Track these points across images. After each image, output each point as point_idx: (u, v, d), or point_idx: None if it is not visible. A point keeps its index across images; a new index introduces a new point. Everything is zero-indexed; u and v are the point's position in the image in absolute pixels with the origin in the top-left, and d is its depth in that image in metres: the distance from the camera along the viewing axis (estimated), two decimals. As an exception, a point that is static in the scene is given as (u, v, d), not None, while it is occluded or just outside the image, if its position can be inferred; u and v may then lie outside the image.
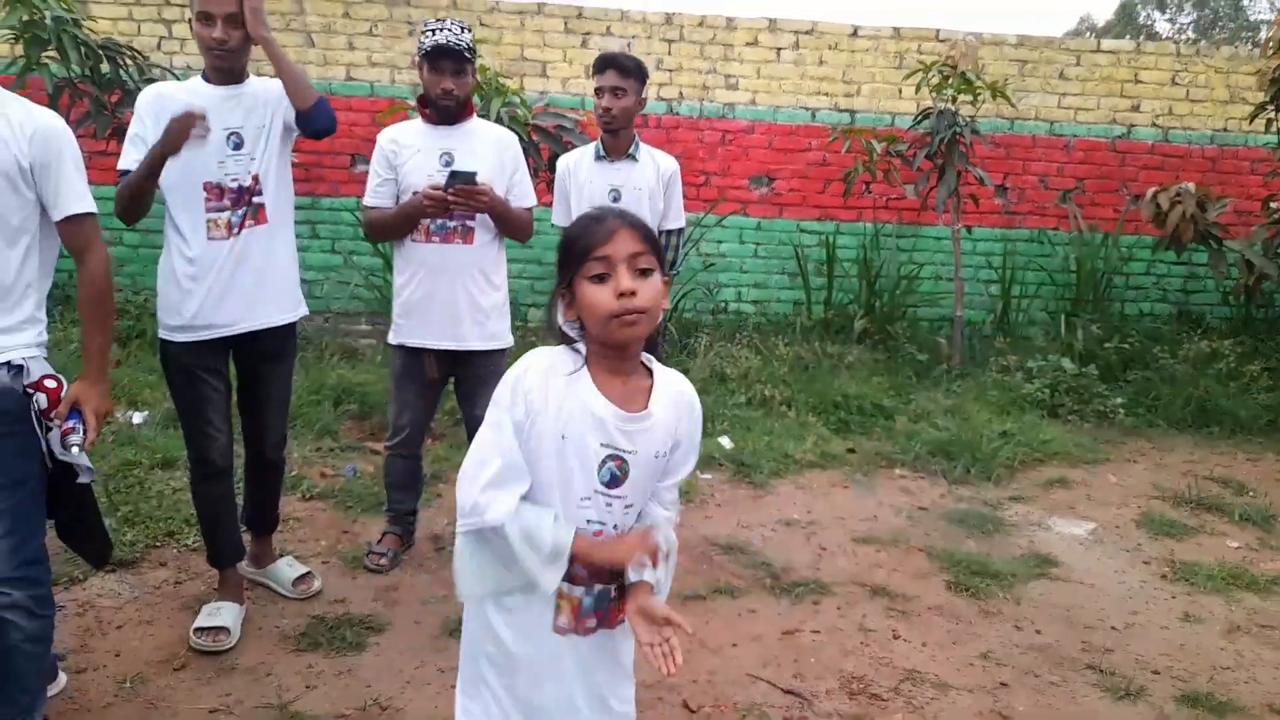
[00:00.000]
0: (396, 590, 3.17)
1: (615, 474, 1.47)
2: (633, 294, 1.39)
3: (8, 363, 2.12)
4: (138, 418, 4.48)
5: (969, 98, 5.94)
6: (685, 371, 5.53)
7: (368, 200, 3.19)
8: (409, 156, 3.11)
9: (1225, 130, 7.03)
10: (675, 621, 1.44)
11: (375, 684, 2.62)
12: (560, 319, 1.49)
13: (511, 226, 3.19)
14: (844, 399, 5.37)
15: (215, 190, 2.71)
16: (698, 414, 1.60)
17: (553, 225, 3.81)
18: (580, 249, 1.43)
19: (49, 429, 2.16)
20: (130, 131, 2.69)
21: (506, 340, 3.29)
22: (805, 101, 6.80)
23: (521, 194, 3.23)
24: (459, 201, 2.99)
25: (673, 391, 1.53)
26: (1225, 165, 7.05)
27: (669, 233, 3.67)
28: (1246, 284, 6.19)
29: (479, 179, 3.01)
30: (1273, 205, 6.44)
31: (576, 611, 1.52)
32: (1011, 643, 3.06)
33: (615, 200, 3.50)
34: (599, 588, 1.52)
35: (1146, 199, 5.87)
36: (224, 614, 2.82)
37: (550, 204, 3.74)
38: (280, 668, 2.69)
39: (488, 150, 3.15)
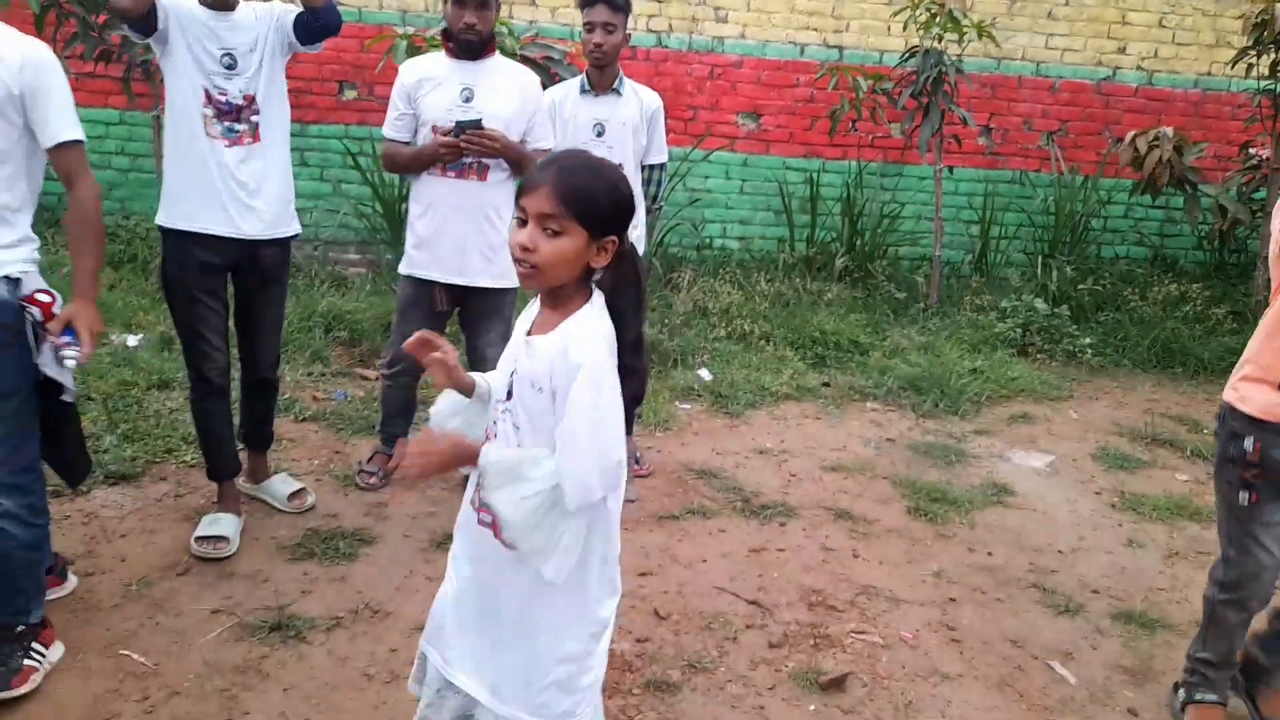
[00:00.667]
0: (386, 507, 3.35)
1: (510, 389, 1.63)
2: (528, 249, 1.51)
3: (5, 276, 2.22)
4: (133, 340, 4.59)
5: (955, 37, 5.97)
6: (668, 306, 5.69)
7: (386, 132, 3.27)
8: (429, 90, 3.16)
9: (1210, 74, 7.08)
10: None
11: (367, 590, 2.81)
12: None
13: (527, 168, 3.24)
14: (822, 335, 5.52)
15: (208, 100, 2.83)
16: (577, 373, 1.51)
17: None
18: (518, 189, 1.58)
19: (40, 344, 2.27)
20: None
21: (514, 279, 3.21)
22: (794, 36, 6.79)
23: (540, 135, 3.29)
24: (471, 147, 3.08)
25: (563, 340, 1.55)
26: (1208, 110, 7.12)
27: (652, 167, 3.76)
28: (1220, 229, 6.34)
29: (497, 120, 3.10)
30: (1251, 150, 6.56)
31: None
32: (963, 563, 3.27)
33: (599, 134, 3.58)
34: None
35: (1125, 143, 5.97)
36: (223, 524, 2.99)
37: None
38: (277, 574, 2.87)
39: (509, 89, 3.20)
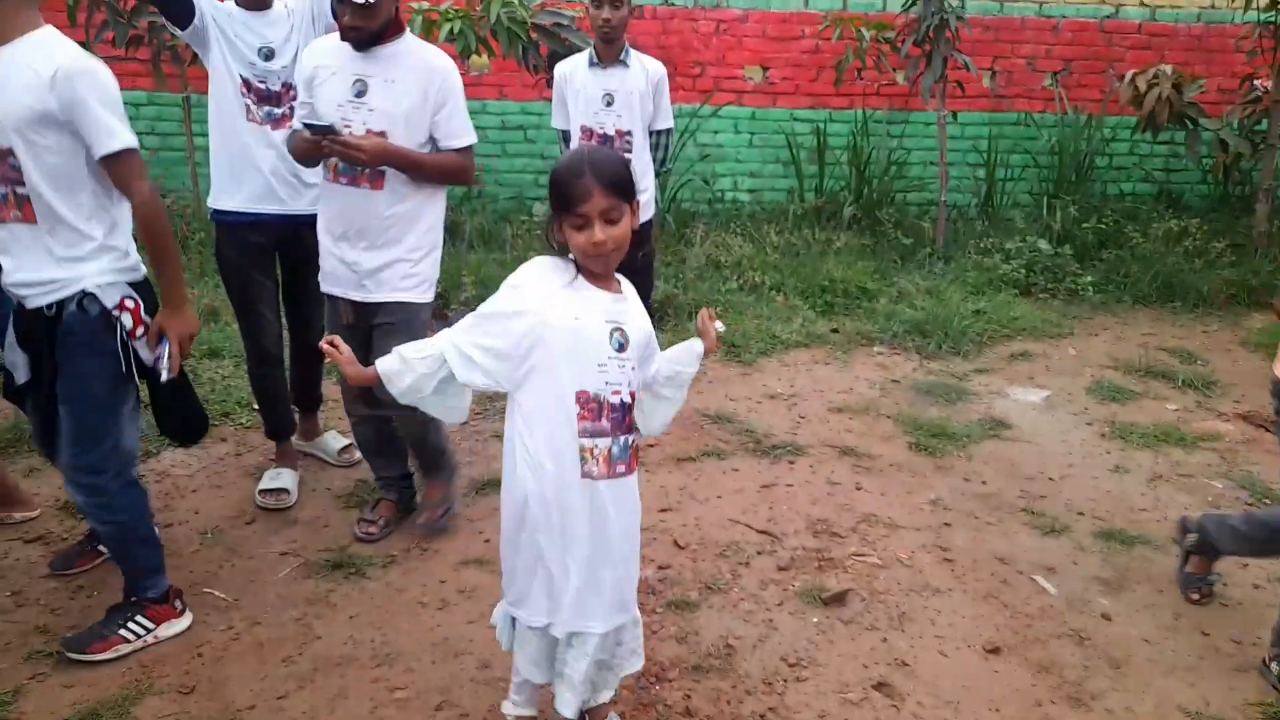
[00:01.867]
0: (427, 458, 3.66)
1: (621, 342, 1.91)
2: (604, 243, 1.82)
3: (82, 291, 2.32)
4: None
5: (956, -18, 6.07)
6: (682, 261, 5.93)
7: (293, 121, 2.97)
8: (324, 79, 2.78)
9: (1213, 7, 7.12)
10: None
11: (416, 531, 3.13)
12: (555, 237, 1.91)
13: (430, 175, 2.83)
14: (830, 283, 5.75)
15: (248, 89, 3.09)
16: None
17: (551, 125, 4.13)
18: (563, 199, 1.82)
19: (134, 343, 2.41)
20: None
21: (419, 294, 2.90)
22: (798, -11, 6.90)
23: (449, 133, 2.83)
24: (336, 152, 2.69)
25: (633, 291, 2.01)
26: (1211, 43, 7.17)
27: (659, 133, 3.99)
28: (1224, 162, 6.46)
29: (387, 120, 2.73)
30: (1255, 83, 6.63)
31: (608, 460, 1.89)
32: (959, 492, 3.54)
33: (609, 104, 3.81)
34: (623, 437, 1.91)
35: (1125, 82, 6.08)
36: (284, 478, 3.33)
37: (550, 100, 4.06)
38: (334, 520, 3.21)
39: (409, 80, 2.76)
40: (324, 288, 2.94)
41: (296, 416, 3.56)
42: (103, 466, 2.43)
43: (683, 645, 2.60)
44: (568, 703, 1.98)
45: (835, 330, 5.27)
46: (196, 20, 3.02)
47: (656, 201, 4.16)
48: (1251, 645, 2.68)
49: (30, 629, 2.61)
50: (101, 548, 2.89)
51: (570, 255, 1.91)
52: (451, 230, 6.14)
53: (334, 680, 2.43)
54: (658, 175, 4.15)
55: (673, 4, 6.85)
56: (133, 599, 2.56)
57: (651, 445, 3.75)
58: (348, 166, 2.76)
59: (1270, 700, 2.45)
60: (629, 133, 3.86)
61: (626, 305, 1.95)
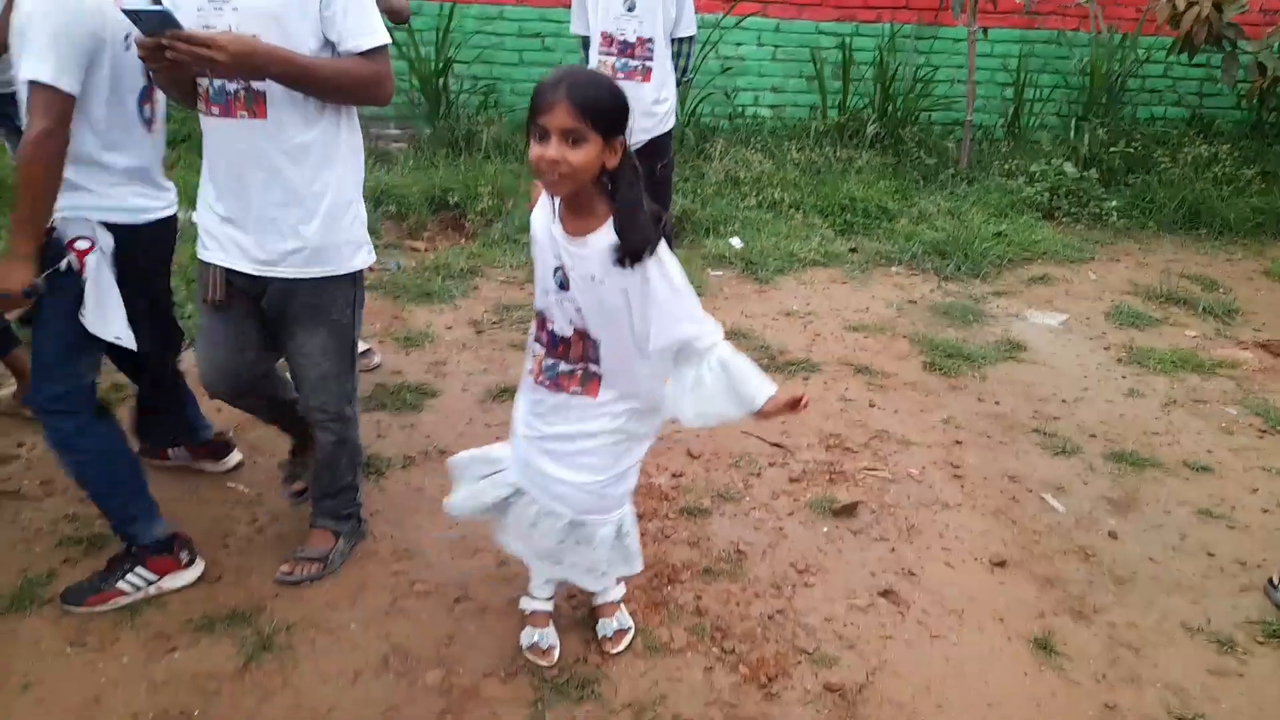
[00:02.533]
0: (445, 364, 3.69)
1: (562, 282, 1.91)
2: (555, 162, 1.71)
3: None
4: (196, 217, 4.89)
5: (995, -110, 5.82)
6: (700, 176, 5.85)
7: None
8: None
9: (1262, -78, 6.81)
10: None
11: (433, 435, 3.18)
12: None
13: (327, 88, 2.11)
14: (850, 201, 5.67)
15: None
16: (650, 279, 1.80)
17: (571, 33, 4.03)
18: (532, 106, 1.74)
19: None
20: None
21: (336, 264, 2.27)
22: (829, -107, 6.63)
23: (346, 32, 2.10)
24: (181, 57, 1.93)
25: (608, 242, 1.79)
26: (1258, -39, 6.88)
27: (680, 40, 3.89)
28: (1261, 86, 6.26)
29: (254, 17, 2.02)
30: (1300, 4, 6.39)
31: (539, 368, 2.00)
32: (971, 411, 3.56)
33: (631, 9, 3.71)
34: (550, 360, 1.98)
35: (1162, 0, 5.86)
36: None
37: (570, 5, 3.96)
38: (354, 422, 3.25)
39: None
40: (201, 255, 2.31)
41: None
42: (64, 397, 2.28)
43: (694, 549, 2.65)
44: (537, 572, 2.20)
45: (853, 249, 5.23)
46: None
47: (675, 114, 4.08)
48: (1256, 567, 2.72)
49: (59, 516, 2.68)
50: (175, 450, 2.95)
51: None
52: (468, 139, 6.07)
53: (354, 573, 2.50)
54: (679, 85, 4.06)
55: (698, -93, 6.60)
56: (131, 549, 2.40)
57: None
58: (219, 90, 2.10)
59: (1271, 619, 2.50)
60: (650, 40, 3.77)
61: (584, 253, 1.82)
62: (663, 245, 1.82)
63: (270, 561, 2.53)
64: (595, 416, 1.98)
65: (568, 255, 1.86)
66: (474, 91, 6.53)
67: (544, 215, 1.92)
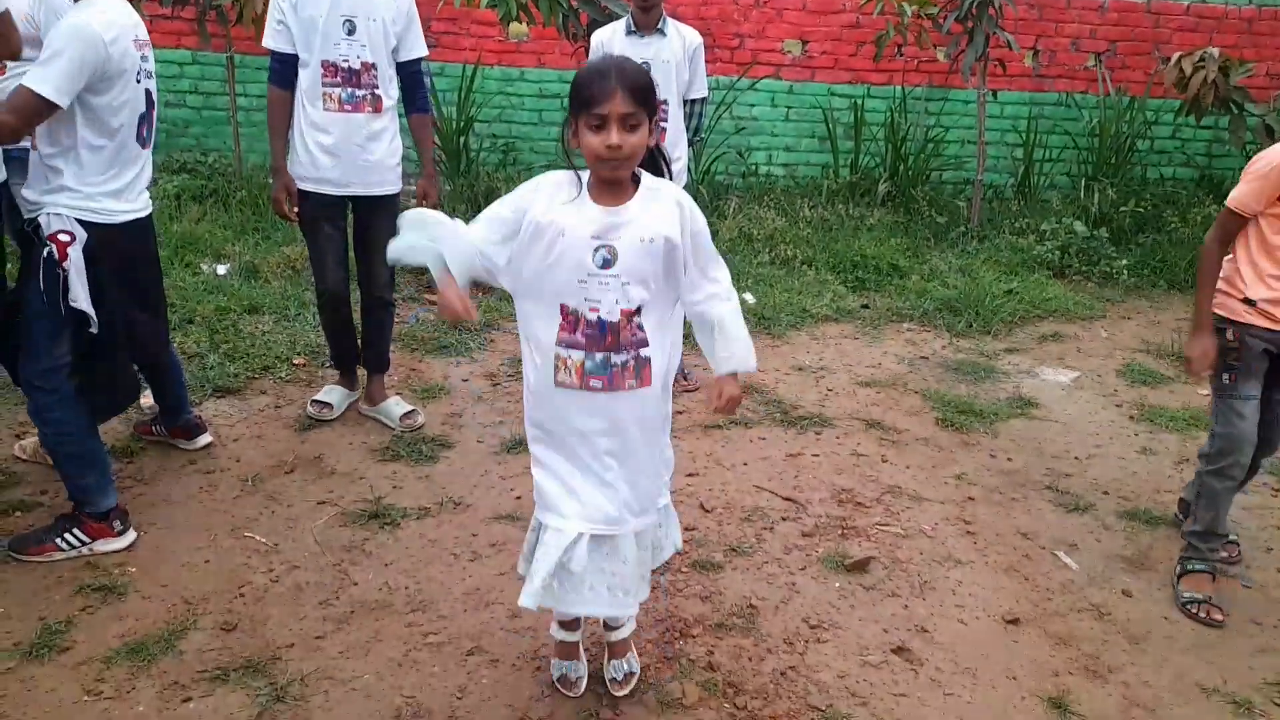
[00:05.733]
0: (461, 416, 3.74)
1: (607, 259, 1.90)
2: (619, 147, 1.81)
3: (35, 219, 2.64)
4: (221, 269, 5.01)
5: (1001, -41, 5.99)
6: (715, 233, 5.93)
7: None
8: None
9: (1265, -10, 6.97)
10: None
11: (448, 486, 3.22)
12: (569, 142, 1.92)
13: None
14: (862, 259, 5.75)
15: (331, 69, 3.25)
16: (685, 208, 1.93)
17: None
18: (584, 98, 1.83)
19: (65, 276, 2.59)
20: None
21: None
22: (840, -38, 6.84)
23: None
24: None
25: (652, 192, 1.92)
26: (1262, 26, 7.03)
27: (693, 102, 4.01)
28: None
29: None
30: (1305, 68, 6.50)
31: (580, 372, 1.95)
32: (984, 468, 3.57)
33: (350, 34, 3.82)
34: (599, 354, 1.94)
35: (1170, 64, 5.98)
36: (334, 394, 3.68)
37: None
38: (371, 473, 3.29)
39: None
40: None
41: (364, 378, 3.73)
42: (44, 375, 2.66)
43: (707, 604, 2.66)
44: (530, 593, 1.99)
45: (865, 306, 5.28)
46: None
47: (690, 171, 4.18)
48: (1273, 626, 2.70)
49: (80, 564, 2.71)
50: (157, 427, 3.37)
51: (578, 170, 1.93)
52: (488, 195, 6.20)
53: (369, 624, 2.52)
54: (691, 144, 4.17)
55: (713, -26, 6.81)
56: (77, 513, 2.74)
57: (679, 413, 3.81)
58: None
59: (1288, 678, 2.48)
60: (664, 101, 3.88)
61: (626, 219, 1.89)
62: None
63: (286, 611, 2.55)
64: (652, 403, 2.01)
65: (614, 228, 1.89)
66: (494, 150, 6.70)
67: (562, 205, 1.90)
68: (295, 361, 4.11)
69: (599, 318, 1.91)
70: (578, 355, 1.93)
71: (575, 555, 1.97)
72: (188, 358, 3.94)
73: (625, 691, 2.27)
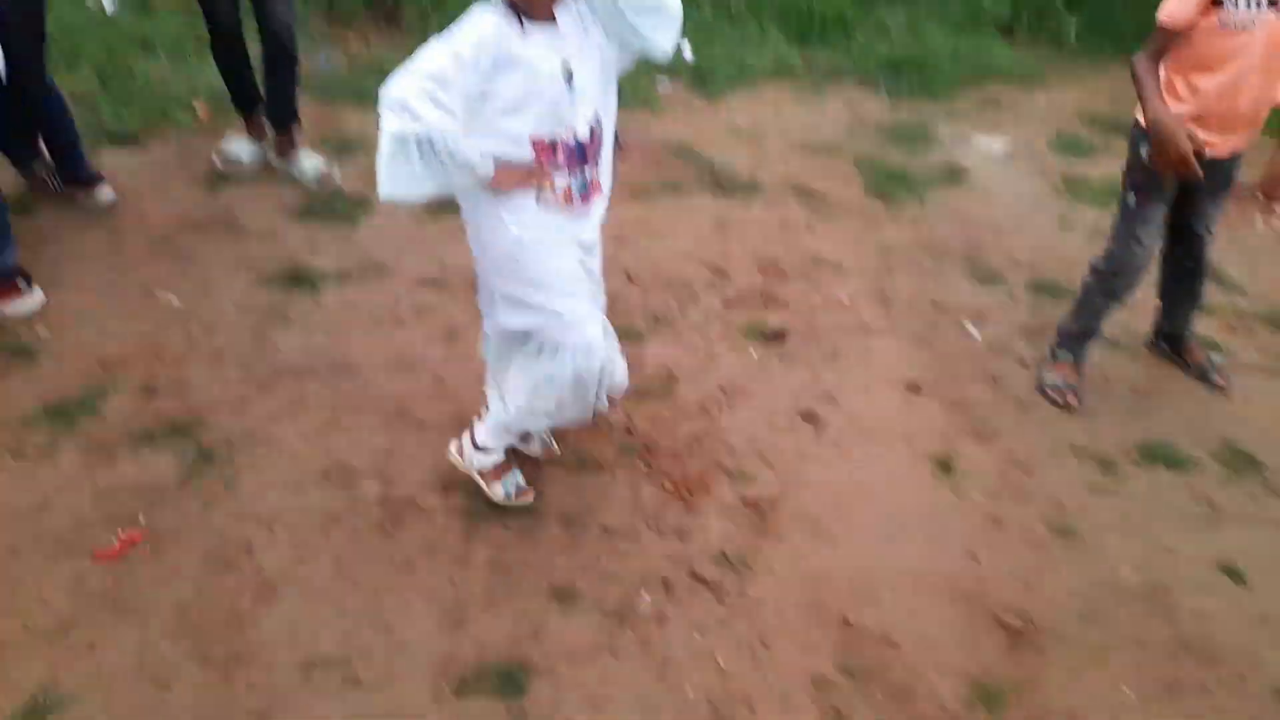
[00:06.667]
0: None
1: (570, 71, 1.83)
2: None
3: None
4: (109, 4, 4.52)
5: None
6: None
7: None
8: None
9: None
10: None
11: (370, 249, 3.15)
12: None
13: None
14: (808, 8, 5.44)
15: None
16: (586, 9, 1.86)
17: None
18: None
19: None
20: None
21: None
22: None
23: None
24: None
25: (563, 6, 1.82)
26: None
27: None
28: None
29: None
30: None
31: (568, 194, 1.93)
32: (907, 238, 3.62)
33: None
34: (579, 173, 1.92)
35: None
36: (240, 145, 3.51)
37: None
38: (288, 234, 3.20)
39: None
40: None
41: (270, 132, 3.51)
42: None
43: (628, 371, 2.74)
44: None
45: (803, 60, 5.06)
46: None
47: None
48: (1148, 394, 2.91)
49: (-13, 325, 2.65)
50: (55, 180, 3.20)
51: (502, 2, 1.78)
52: None
53: (293, 388, 2.56)
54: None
55: None
56: None
57: (609, 174, 3.71)
58: None
59: (1153, 438, 2.70)
60: None
61: (565, 35, 1.83)
62: None
63: (208, 375, 2.56)
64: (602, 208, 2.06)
65: (562, 40, 1.82)
66: None
67: (509, 42, 1.75)
68: (195, 105, 3.83)
69: (576, 140, 1.88)
70: (562, 178, 1.91)
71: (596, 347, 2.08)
72: (76, 100, 3.63)
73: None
